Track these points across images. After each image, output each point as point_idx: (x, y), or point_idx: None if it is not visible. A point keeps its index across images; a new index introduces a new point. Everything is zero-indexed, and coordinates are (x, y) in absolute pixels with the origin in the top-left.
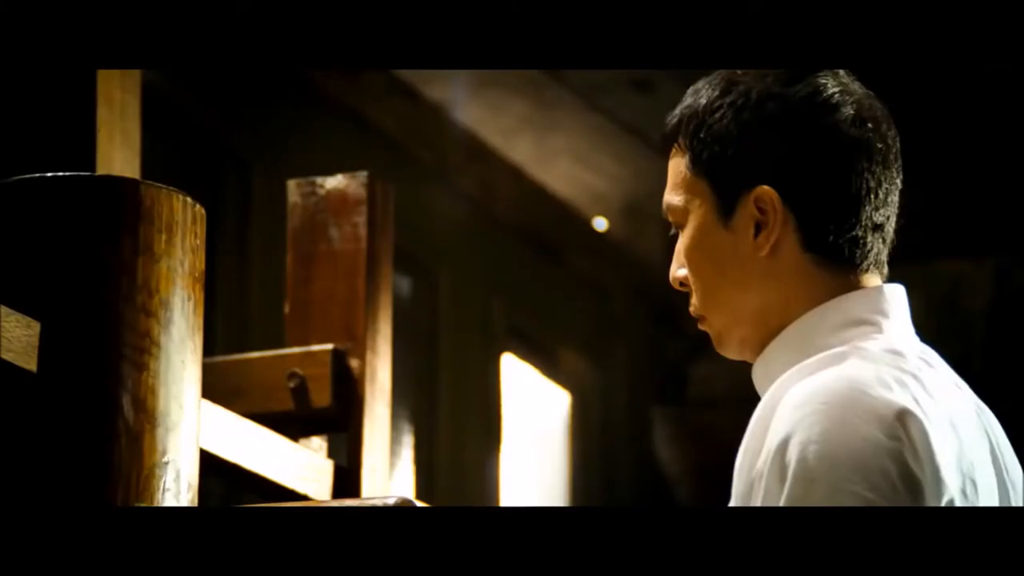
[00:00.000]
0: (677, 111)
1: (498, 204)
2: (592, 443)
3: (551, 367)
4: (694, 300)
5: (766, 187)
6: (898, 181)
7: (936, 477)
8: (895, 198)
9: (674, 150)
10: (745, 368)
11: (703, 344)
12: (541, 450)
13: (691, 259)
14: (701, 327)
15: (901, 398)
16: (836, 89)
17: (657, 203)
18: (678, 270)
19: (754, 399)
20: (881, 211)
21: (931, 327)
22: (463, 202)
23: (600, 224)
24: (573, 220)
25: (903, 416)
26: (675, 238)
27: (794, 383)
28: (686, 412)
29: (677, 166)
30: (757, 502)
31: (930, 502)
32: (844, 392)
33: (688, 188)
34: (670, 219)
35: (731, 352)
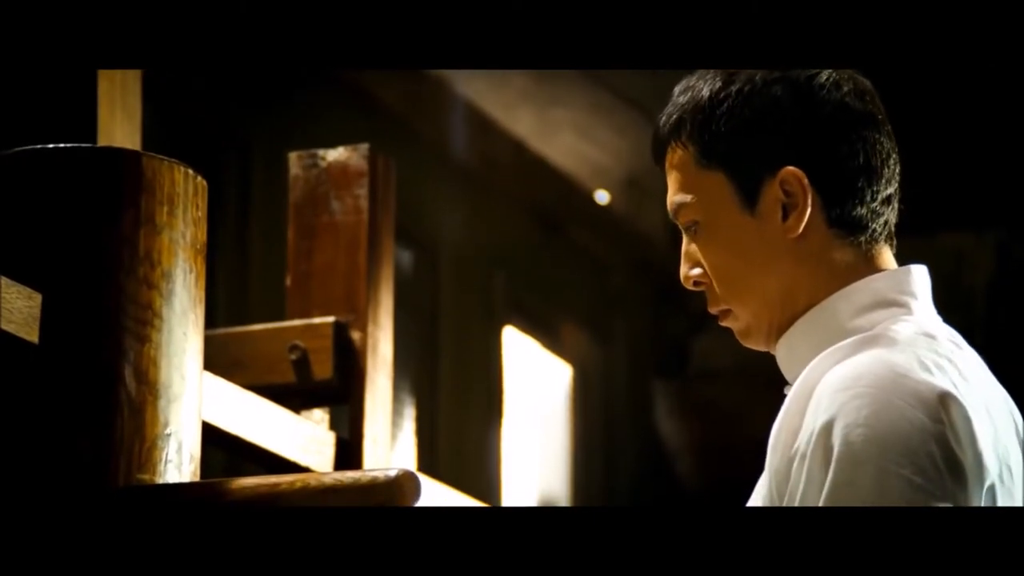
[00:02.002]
0: (672, 112)
1: (500, 178)
2: (593, 416)
3: (552, 340)
4: (717, 295)
5: (791, 168)
6: (896, 152)
7: (978, 462)
8: (898, 169)
9: (672, 151)
10: None
11: (704, 318)
12: (542, 422)
13: (715, 254)
14: (724, 323)
15: (942, 382)
16: (828, 70)
17: (658, 177)
18: (692, 270)
19: (754, 374)
20: (891, 182)
21: (934, 301)
22: (464, 176)
23: (602, 197)
24: (575, 193)
25: (945, 400)
26: (680, 239)
27: (830, 365)
28: (687, 386)
29: (682, 165)
30: (799, 483)
31: (972, 487)
32: (887, 375)
33: (699, 184)
34: (680, 221)
35: (759, 343)
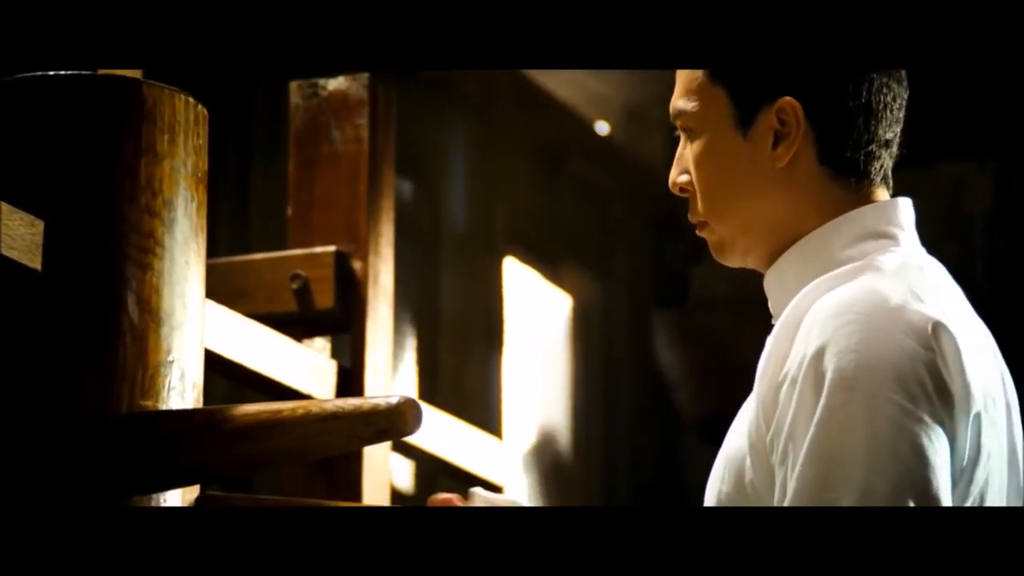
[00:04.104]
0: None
1: (500, 109)
2: (593, 346)
3: (553, 271)
4: (697, 207)
5: (789, 98)
6: (905, 96)
7: (966, 390)
8: (903, 114)
9: None
10: (745, 270)
11: (703, 248)
12: (543, 352)
13: (701, 166)
14: (700, 233)
15: (933, 311)
16: None
17: (659, 107)
18: (680, 176)
19: (753, 302)
20: (893, 127)
21: (933, 230)
22: (465, 106)
23: (602, 128)
24: (575, 124)
25: (937, 329)
26: (677, 142)
27: (820, 294)
28: (686, 316)
29: (691, 71)
30: (789, 409)
31: (959, 414)
32: (879, 303)
33: (703, 94)
34: (679, 124)
35: (732, 260)
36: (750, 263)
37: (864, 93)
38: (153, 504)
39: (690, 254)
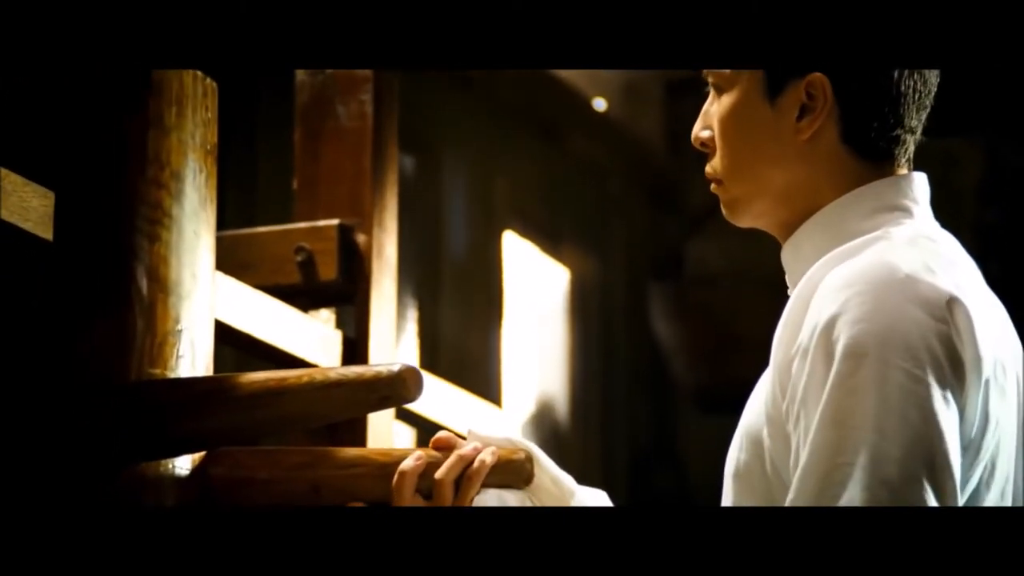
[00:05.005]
0: None
1: (500, 85)
2: (591, 317)
3: (551, 245)
4: (715, 164)
5: (820, 75)
6: (936, 83)
7: (976, 360)
8: (931, 100)
9: None
10: (740, 246)
11: (700, 222)
12: (541, 323)
13: (724, 126)
14: (714, 190)
15: (945, 283)
16: None
17: (655, 84)
18: (703, 131)
19: (747, 276)
20: (920, 113)
21: None
22: (466, 84)
23: (599, 104)
24: (573, 101)
25: (950, 300)
26: (706, 97)
27: (834, 266)
28: (682, 289)
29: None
30: (801, 378)
31: (969, 383)
32: (889, 274)
33: None
34: (709, 79)
35: (742, 220)
36: (760, 225)
37: (895, 78)
38: (163, 468)
39: (686, 229)
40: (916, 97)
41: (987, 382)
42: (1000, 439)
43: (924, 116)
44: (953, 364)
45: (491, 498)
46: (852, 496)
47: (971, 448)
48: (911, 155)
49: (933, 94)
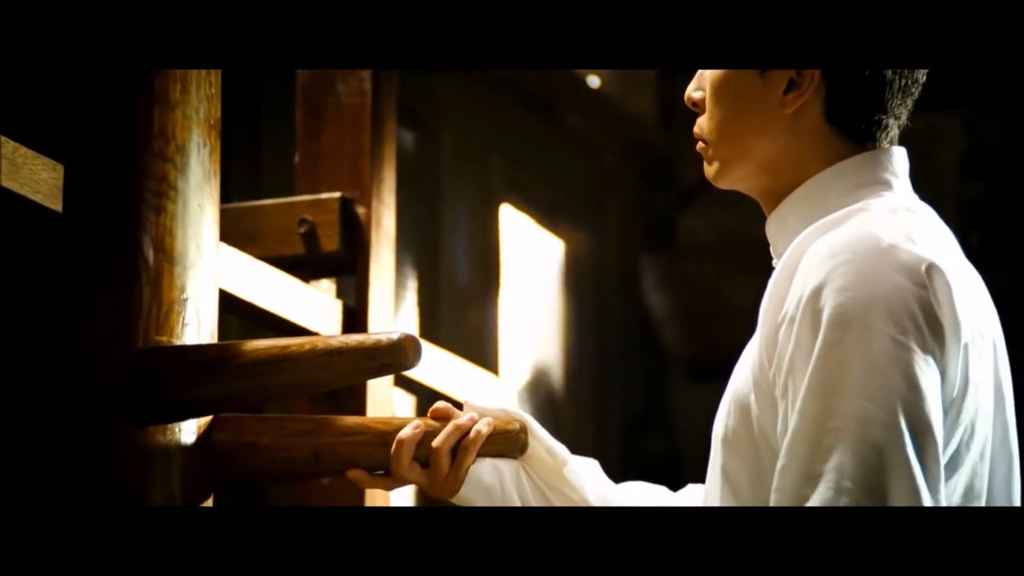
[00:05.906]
0: None
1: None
2: (586, 288)
3: (547, 218)
4: (703, 124)
5: None
6: (923, 76)
7: (955, 325)
8: (918, 90)
9: None
10: (730, 219)
11: (691, 196)
12: (537, 293)
13: (716, 90)
14: (699, 149)
15: (924, 251)
16: None
17: None
18: (696, 91)
19: (735, 248)
20: (906, 101)
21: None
22: None
23: (593, 82)
24: (568, 78)
25: (929, 267)
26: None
27: (817, 237)
28: (673, 260)
29: None
30: (788, 346)
31: (949, 347)
32: (871, 244)
33: None
34: None
35: (723, 183)
36: (743, 189)
37: (884, 70)
38: (169, 433)
39: (677, 201)
40: (902, 85)
41: (966, 346)
42: (979, 403)
43: (910, 103)
44: (933, 328)
45: (486, 466)
46: (842, 459)
47: (952, 409)
48: (895, 137)
49: (921, 84)
